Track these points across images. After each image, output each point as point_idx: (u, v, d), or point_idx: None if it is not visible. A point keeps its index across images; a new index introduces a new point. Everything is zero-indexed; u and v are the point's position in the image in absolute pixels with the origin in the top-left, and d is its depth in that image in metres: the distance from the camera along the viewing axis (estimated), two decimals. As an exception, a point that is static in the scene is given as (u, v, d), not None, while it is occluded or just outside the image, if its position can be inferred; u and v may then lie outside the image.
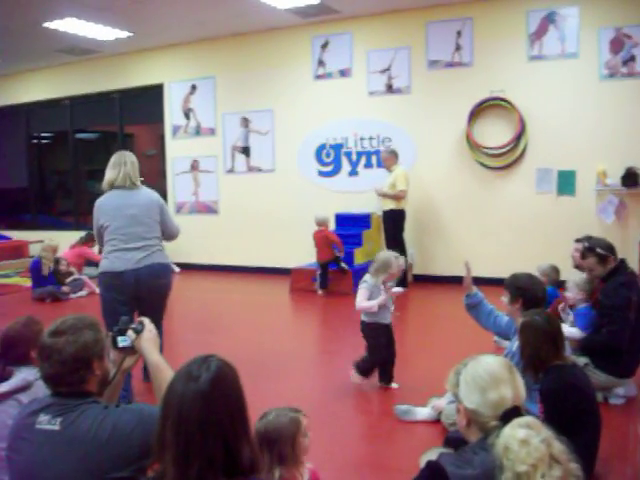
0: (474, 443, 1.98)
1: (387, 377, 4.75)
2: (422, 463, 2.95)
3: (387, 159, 8.93)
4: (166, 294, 4.66)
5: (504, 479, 1.76)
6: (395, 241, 8.72)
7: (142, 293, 4.42)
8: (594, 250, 4.34)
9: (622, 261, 4.43)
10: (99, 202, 4.51)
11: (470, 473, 1.84)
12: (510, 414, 1.93)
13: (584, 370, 3.59)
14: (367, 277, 4.73)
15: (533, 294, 3.64)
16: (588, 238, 4.58)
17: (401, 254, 8.71)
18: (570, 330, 4.44)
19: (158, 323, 4.32)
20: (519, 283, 3.72)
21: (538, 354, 3.01)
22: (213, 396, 1.66)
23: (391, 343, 4.79)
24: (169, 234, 4.76)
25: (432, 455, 2.85)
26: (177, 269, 10.51)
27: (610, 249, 4.38)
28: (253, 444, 1.73)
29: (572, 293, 4.72)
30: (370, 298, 4.63)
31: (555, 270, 5.39)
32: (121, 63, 11.74)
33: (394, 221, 8.78)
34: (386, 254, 4.82)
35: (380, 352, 4.68)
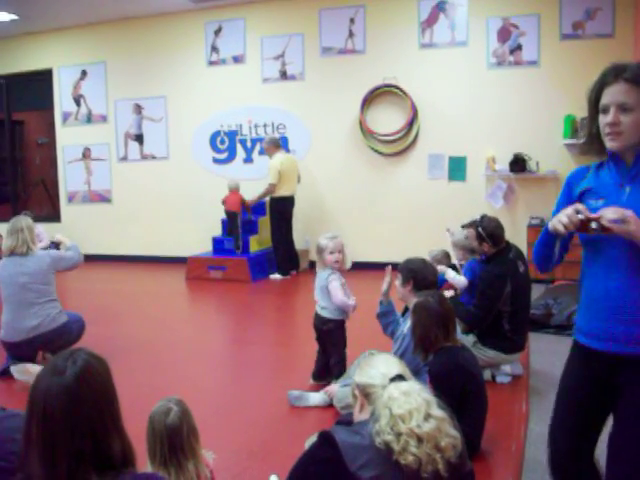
0: (366, 418, 1.99)
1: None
2: (307, 445, 2.65)
3: (267, 149, 8.36)
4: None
5: (377, 427, 1.81)
6: (280, 230, 8.24)
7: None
8: (477, 227, 4.24)
9: (506, 246, 4.21)
10: None
11: (359, 441, 1.87)
12: (395, 379, 1.97)
13: (472, 350, 3.52)
14: (327, 272, 3.94)
15: (423, 276, 3.51)
16: (483, 216, 4.29)
17: (278, 244, 8.24)
18: (459, 278, 4.49)
19: None
20: (411, 265, 3.58)
21: (428, 335, 2.97)
22: (79, 390, 1.51)
23: None
24: (71, 268, 4.83)
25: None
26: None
27: (492, 236, 4.16)
28: (125, 437, 1.60)
29: (455, 253, 4.83)
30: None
31: (446, 255, 5.10)
32: (7, 47, 10.58)
33: (277, 210, 8.25)
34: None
35: (344, 348, 4.02)
